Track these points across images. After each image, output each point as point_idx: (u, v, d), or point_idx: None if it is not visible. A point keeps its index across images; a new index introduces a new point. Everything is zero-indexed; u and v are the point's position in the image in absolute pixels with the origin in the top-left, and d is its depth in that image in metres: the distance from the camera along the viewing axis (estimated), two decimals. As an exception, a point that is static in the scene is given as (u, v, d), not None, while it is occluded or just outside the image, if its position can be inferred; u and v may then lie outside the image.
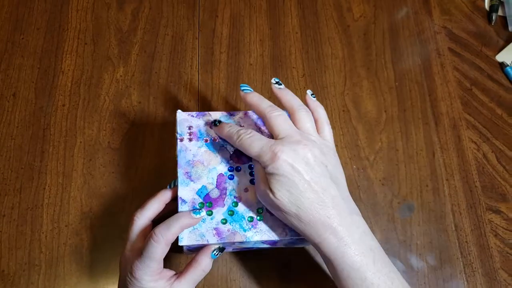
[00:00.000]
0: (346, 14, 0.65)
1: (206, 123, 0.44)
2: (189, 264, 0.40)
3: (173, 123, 0.54)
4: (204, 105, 0.56)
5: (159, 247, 0.37)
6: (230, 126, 0.41)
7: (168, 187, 0.42)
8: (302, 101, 0.42)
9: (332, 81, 0.60)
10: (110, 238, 0.48)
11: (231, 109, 0.56)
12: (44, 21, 0.58)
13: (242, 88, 0.43)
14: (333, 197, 0.37)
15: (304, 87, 0.59)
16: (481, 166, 0.56)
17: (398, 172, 0.55)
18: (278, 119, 0.39)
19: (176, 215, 0.39)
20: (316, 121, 0.42)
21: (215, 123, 0.43)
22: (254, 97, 0.42)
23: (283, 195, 0.37)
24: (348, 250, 0.36)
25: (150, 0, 0.61)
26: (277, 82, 0.43)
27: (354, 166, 0.55)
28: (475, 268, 0.51)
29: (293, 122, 0.40)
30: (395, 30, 0.64)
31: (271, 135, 0.41)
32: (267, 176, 0.38)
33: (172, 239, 0.38)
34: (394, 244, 0.51)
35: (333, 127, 0.56)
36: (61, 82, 0.55)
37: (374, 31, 0.64)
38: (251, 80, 0.58)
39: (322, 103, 0.58)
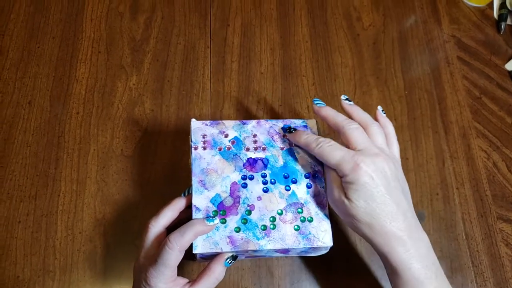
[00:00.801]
0: (356, 23, 0.65)
1: (220, 132, 0.44)
2: (202, 272, 0.41)
3: (185, 131, 0.55)
4: (215, 114, 0.57)
5: (174, 254, 0.37)
6: (307, 134, 0.43)
7: (182, 195, 0.42)
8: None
9: (342, 89, 0.60)
10: (123, 245, 0.49)
11: (242, 118, 0.57)
12: (59, 30, 0.59)
13: (316, 102, 0.44)
14: (404, 211, 0.39)
15: (315, 95, 0.59)
16: (491, 175, 0.57)
17: (409, 181, 0.55)
18: (356, 132, 0.41)
19: (190, 222, 0.39)
20: (386, 136, 0.43)
21: (290, 130, 0.45)
22: (329, 111, 0.43)
23: (360, 205, 0.38)
24: (415, 263, 0.37)
25: (162, 9, 0.62)
26: (347, 99, 0.45)
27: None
28: (486, 277, 0.51)
29: (365, 130, 0.42)
30: (405, 39, 0.65)
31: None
32: (345, 185, 0.39)
33: (186, 246, 0.38)
34: (404, 253, 0.51)
35: (343, 136, 0.57)
36: (75, 90, 0.56)
37: (383, 40, 0.64)
38: (262, 89, 0.59)
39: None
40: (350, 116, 0.44)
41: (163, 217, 0.41)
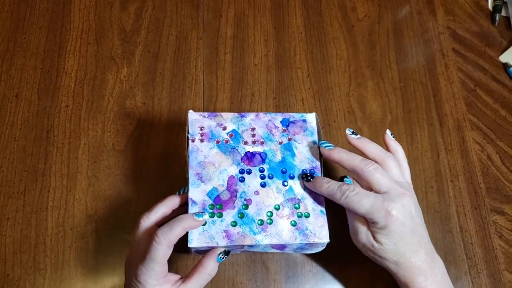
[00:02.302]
0: (351, 14, 0.64)
1: (218, 124, 0.43)
2: (194, 268, 0.40)
3: (178, 125, 0.54)
4: (209, 106, 0.56)
5: (161, 249, 0.37)
6: (328, 182, 0.41)
7: (177, 193, 0.42)
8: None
9: (337, 81, 0.59)
10: (115, 241, 0.48)
11: (236, 110, 0.56)
12: (46, 20, 0.57)
13: (324, 145, 0.43)
14: (425, 243, 0.41)
15: (309, 88, 0.58)
16: (486, 167, 0.57)
17: (403, 174, 0.55)
18: (376, 174, 0.40)
19: (178, 216, 0.39)
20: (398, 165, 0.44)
21: (307, 179, 0.42)
22: (342, 153, 0.42)
23: (389, 247, 0.40)
24: None
25: (153, -1, 0.61)
26: (352, 133, 0.44)
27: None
28: (480, 269, 0.51)
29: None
30: (400, 30, 0.64)
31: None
32: (374, 229, 0.40)
33: (174, 241, 0.38)
34: (400, 246, 0.51)
35: (338, 129, 0.57)
36: (64, 83, 0.54)
37: (378, 31, 0.64)
38: (256, 81, 0.58)
39: (327, 104, 0.58)
40: (360, 152, 0.43)
41: (155, 213, 0.40)
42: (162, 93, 0.55)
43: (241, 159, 0.42)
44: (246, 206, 0.41)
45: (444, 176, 0.56)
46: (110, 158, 0.51)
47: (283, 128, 0.44)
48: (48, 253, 0.47)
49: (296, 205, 0.41)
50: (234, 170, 0.42)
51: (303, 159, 0.43)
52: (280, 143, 0.44)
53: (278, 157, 0.43)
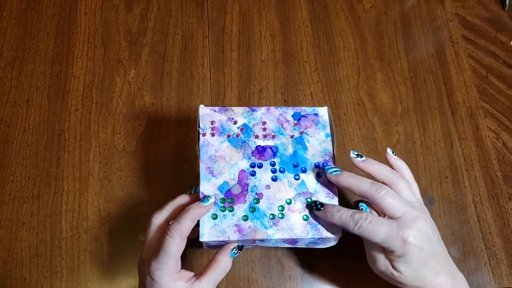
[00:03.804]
0: (357, 5, 0.63)
1: (229, 119, 0.43)
2: (208, 264, 0.40)
3: (187, 124, 0.54)
4: (217, 104, 0.55)
5: (175, 242, 0.37)
6: (339, 210, 0.39)
7: (188, 193, 0.42)
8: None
9: (346, 74, 0.59)
10: (130, 243, 0.48)
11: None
12: (54, 25, 0.58)
13: (330, 170, 0.41)
14: (444, 262, 0.39)
15: (318, 82, 0.58)
16: (501, 155, 0.55)
17: (417, 165, 0.54)
18: (388, 199, 0.38)
19: (186, 208, 0.38)
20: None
21: (317, 207, 0.40)
22: (350, 178, 0.40)
23: (408, 274, 0.38)
24: None
25: (158, 0, 0.61)
26: (357, 155, 0.42)
27: (372, 160, 0.54)
28: (500, 259, 0.50)
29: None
30: (407, 19, 0.63)
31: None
32: (392, 257, 0.38)
33: (187, 233, 0.37)
34: (416, 238, 0.50)
35: (349, 121, 0.56)
36: (73, 87, 0.55)
37: (385, 22, 0.63)
38: (264, 77, 0.58)
39: (336, 97, 0.57)
40: (367, 175, 0.41)
41: (167, 211, 0.40)
42: (170, 93, 0.55)
43: (252, 153, 0.42)
44: (258, 200, 0.40)
45: (458, 166, 0.55)
46: (121, 159, 0.52)
47: (295, 122, 0.44)
48: (63, 256, 0.47)
49: (308, 199, 0.41)
50: (245, 164, 0.41)
51: (315, 152, 0.43)
52: (292, 136, 0.43)
53: (290, 150, 0.42)
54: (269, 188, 0.41)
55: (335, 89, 0.58)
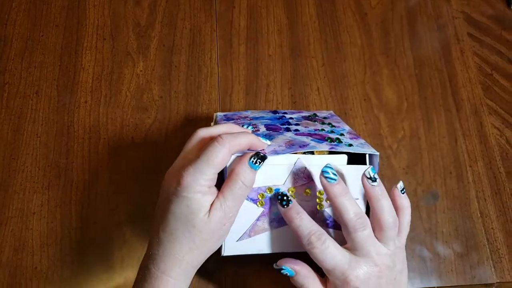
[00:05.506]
0: (363, 1, 0.64)
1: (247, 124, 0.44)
2: (227, 178, 0.35)
3: (195, 117, 0.55)
4: (225, 98, 0.56)
5: (222, 151, 0.33)
6: (301, 219, 0.36)
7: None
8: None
9: (352, 70, 0.59)
10: (138, 234, 0.49)
11: (251, 101, 0.56)
12: (63, 17, 0.58)
13: (325, 175, 0.36)
14: None
15: (325, 77, 0.58)
16: (505, 152, 0.56)
17: (421, 160, 0.55)
18: (361, 237, 0.35)
19: (244, 131, 0.37)
20: (399, 224, 0.38)
21: (282, 203, 0.36)
22: (339, 198, 0.36)
23: None
24: None
25: (166, -7, 0.61)
26: (370, 178, 0.37)
27: (377, 155, 0.55)
28: (501, 254, 0.51)
29: (377, 227, 0.37)
30: (413, 16, 0.64)
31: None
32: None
33: (237, 150, 0.34)
34: (419, 232, 0.51)
35: (355, 117, 0.57)
36: (82, 79, 0.55)
37: (392, 18, 0.63)
38: (271, 72, 0.58)
39: (343, 92, 0.58)
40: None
41: (215, 128, 0.37)
42: (179, 86, 0.56)
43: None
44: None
45: (462, 162, 0.55)
46: (129, 151, 0.52)
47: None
48: (74, 245, 0.48)
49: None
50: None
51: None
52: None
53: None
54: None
55: (341, 85, 0.58)
